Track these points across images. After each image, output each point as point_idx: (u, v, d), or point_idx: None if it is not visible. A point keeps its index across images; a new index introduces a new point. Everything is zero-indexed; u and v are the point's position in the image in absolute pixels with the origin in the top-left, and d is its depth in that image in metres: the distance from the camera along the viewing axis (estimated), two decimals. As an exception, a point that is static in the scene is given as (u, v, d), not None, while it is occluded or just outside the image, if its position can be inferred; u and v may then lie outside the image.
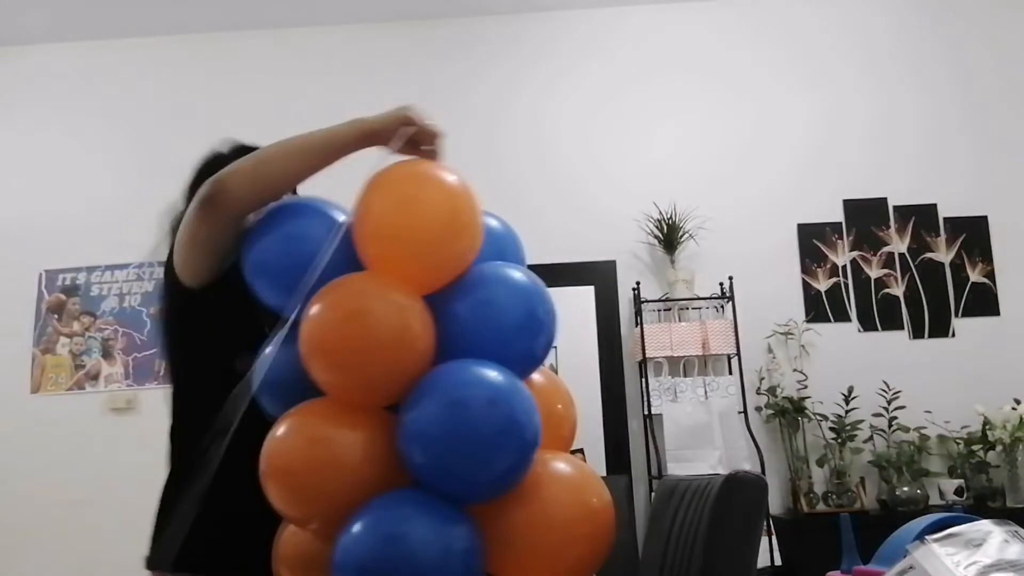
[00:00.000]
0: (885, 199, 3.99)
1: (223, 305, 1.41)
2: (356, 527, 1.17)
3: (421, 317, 1.25)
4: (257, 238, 1.35)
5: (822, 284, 3.92)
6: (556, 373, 1.58)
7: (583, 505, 1.27)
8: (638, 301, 3.81)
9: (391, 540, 1.15)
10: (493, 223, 1.45)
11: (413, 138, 1.44)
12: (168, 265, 1.47)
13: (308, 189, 1.44)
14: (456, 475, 1.19)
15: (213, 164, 1.60)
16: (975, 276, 3.91)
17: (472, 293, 1.30)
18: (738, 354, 3.67)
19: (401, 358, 1.22)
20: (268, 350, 1.34)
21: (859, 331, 3.87)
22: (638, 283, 3.86)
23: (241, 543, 1.37)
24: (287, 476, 1.21)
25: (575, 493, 1.27)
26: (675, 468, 3.52)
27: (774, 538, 3.41)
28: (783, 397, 3.67)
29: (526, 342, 1.31)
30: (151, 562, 1.51)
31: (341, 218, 1.37)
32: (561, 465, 1.30)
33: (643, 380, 3.69)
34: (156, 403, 3.93)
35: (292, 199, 1.43)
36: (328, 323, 1.22)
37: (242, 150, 1.66)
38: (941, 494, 3.50)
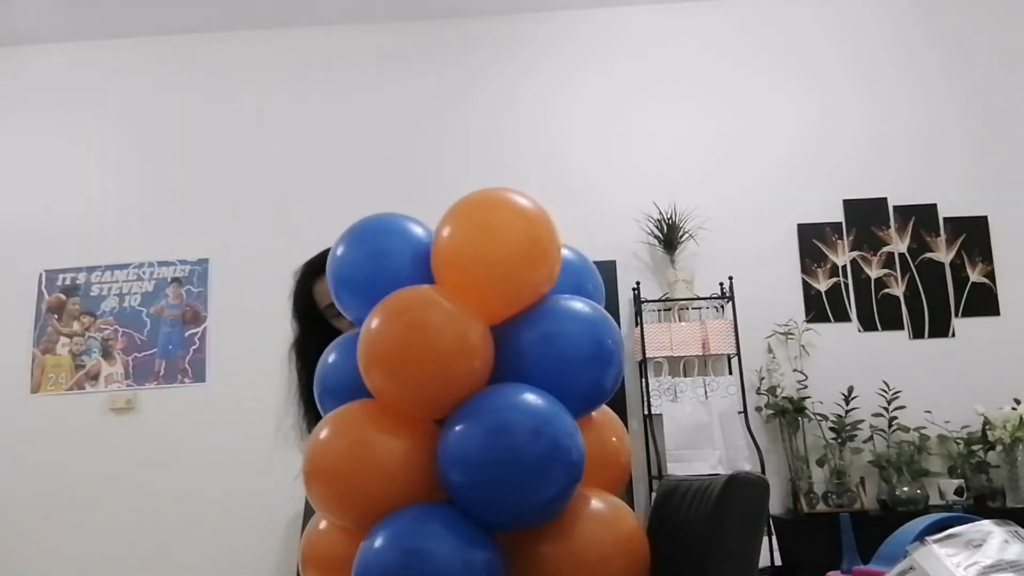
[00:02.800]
0: (885, 199, 3.99)
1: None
2: (379, 538, 1.16)
3: (480, 334, 1.24)
4: (343, 254, 1.37)
5: (822, 284, 3.92)
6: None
7: (616, 542, 1.24)
8: (638, 301, 3.81)
9: (412, 555, 1.14)
10: (569, 255, 1.44)
11: None
12: None
13: (396, 208, 1.45)
14: (491, 499, 1.17)
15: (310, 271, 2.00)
16: (975, 276, 3.91)
17: (539, 324, 1.28)
18: (738, 354, 3.67)
19: (455, 373, 1.21)
20: (331, 358, 1.37)
21: (859, 331, 3.87)
22: (638, 283, 3.86)
23: None
24: (330, 476, 1.21)
25: (607, 528, 1.25)
26: (675, 468, 3.52)
27: (774, 538, 3.41)
28: (783, 397, 3.67)
29: (594, 375, 1.29)
30: None
31: (421, 233, 1.39)
32: (593, 499, 1.27)
33: (643, 380, 3.69)
34: (156, 403, 3.94)
35: (376, 216, 1.45)
36: (388, 331, 1.22)
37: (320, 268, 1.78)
38: (941, 494, 3.49)
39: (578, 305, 1.32)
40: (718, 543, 1.64)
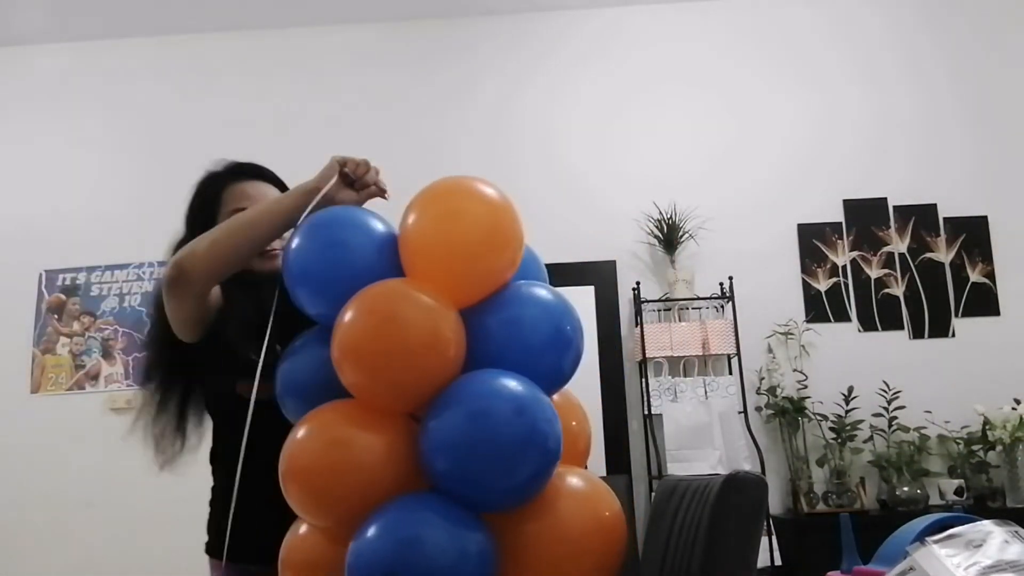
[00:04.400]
0: (885, 199, 3.99)
1: (212, 351, 1.54)
2: (371, 530, 1.17)
3: (453, 325, 1.26)
4: (298, 246, 1.37)
5: (822, 284, 3.92)
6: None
7: (595, 518, 1.27)
8: (638, 301, 3.81)
9: (406, 544, 1.15)
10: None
11: (350, 175, 1.50)
12: (157, 298, 1.57)
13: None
14: (477, 483, 1.19)
15: (209, 183, 1.76)
16: (975, 276, 3.91)
17: (503, 310, 1.32)
18: (738, 354, 3.67)
19: (431, 364, 1.23)
20: (291, 356, 1.38)
21: (859, 331, 3.87)
22: (638, 283, 3.86)
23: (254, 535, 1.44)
24: (307, 477, 1.22)
25: (587, 506, 1.28)
26: (675, 468, 3.52)
27: (774, 538, 3.41)
28: (783, 397, 3.67)
29: (554, 359, 1.32)
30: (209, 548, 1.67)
31: (380, 227, 1.39)
32: (574, 478, 1.30)
33: (643, 380, 3.69)
34: (156, 403, 3.94)
35: (333, 209, 1.44)
36: (361, 326, 1.23)
37: (236, 169, 1.74)
38: (941, 494, 3.49)
39: (540, 292, 1.36)
40: (717, 542, 1.64)
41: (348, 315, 1.24)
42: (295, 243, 1.37)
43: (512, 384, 1.22)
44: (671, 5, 4.26)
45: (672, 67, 4.18)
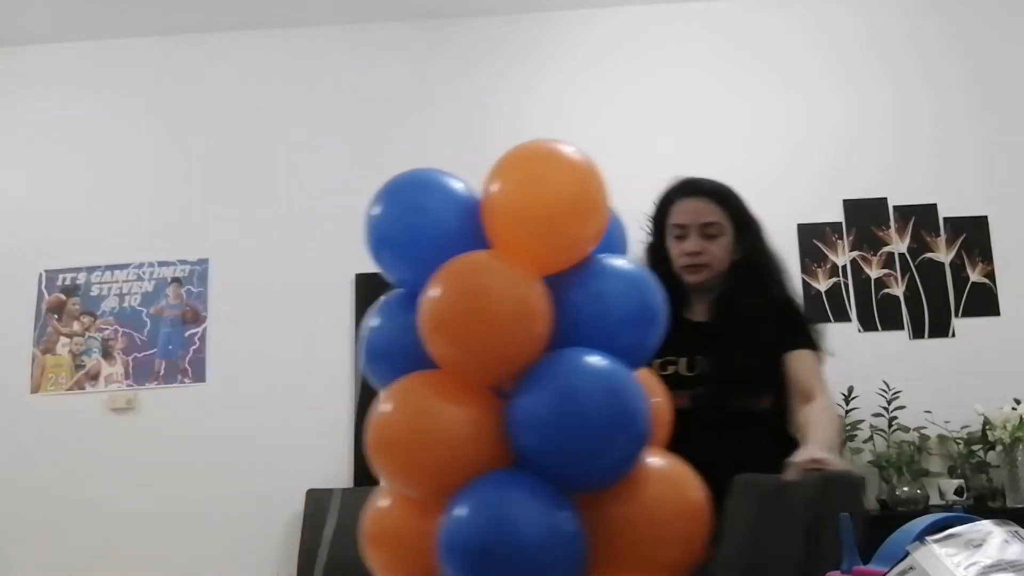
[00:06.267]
0: (885, 199, 3.99)
1: None
2: (463, 507, 1.18)
3: (541, 298, 1.25)
4: (378, 212, 1.36)
5: (822, 284, 3.92)
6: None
7: (683, 502, 1.27)
8: (638, 301, 3.80)
9: (499, 522, 1.16)
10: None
11: None
12: None
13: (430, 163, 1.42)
14: (566, 463, 1.19)
15: (662, 198, 2.04)
16: (975, 276, 3.91)
17: (588, 283, 1.30)
18: (738, 354, 3.66)
19: (519, 337, 1.23)
20: (376, 322, 1.36)
21: (859, 331, 3.87)
22: (638, 283, 3.85)
23: None
24: (393, 447, 1.23)
25: (675, 489, 1.28)
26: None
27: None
28: (783, 397, 3.67)
29: (638, 334, 1.31)
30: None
31: (460, 190, 1.37)
32: (660, 460, 1.30)
33: (643, 380, 3.68)
34: (156, 403, 3.94)
35: (413, 171, 1.42)
36: (449, 298, 1.23)
37: (682, 187, 2.03)
38: (941, 494, 3.49)
39: (624, 264, 1.34)
40: (816, 544, 1.62)
41: (436, 288, 1.23)
42: (376, 208, 1.36)
43: (603, 363, 1.21)
44: (672, 5, 4.25)
45: (670, 66, 4.18)
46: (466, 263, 1.25)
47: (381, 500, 1.34)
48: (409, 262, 1.30)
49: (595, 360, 1.21)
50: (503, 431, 1.23)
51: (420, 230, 1.31)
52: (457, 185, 1.38)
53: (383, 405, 1.25)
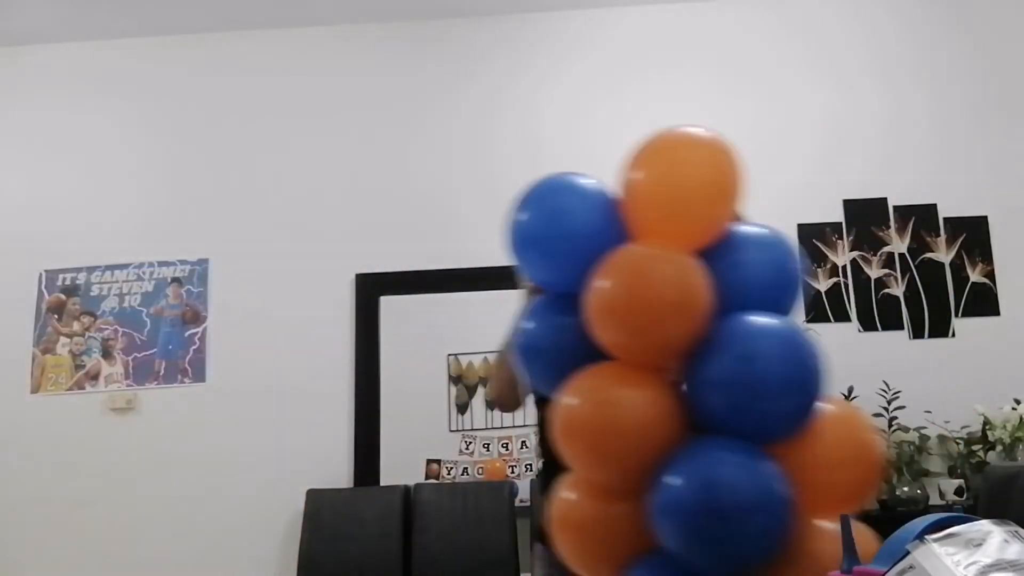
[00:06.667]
0: (885, 199, 3.99)
1: None
2: (671, 479, 1.23)
3: (702, 275, 1.32)
4: (523, 214, 1.43)
5: (822, 284, 3.92)
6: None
7: (859, 444, 1.34)
8: (638, 301, 3.80)
9: (710, 486, 1.21)
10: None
11: None
12: None
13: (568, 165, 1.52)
14: (755, 420, 1.25)
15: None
16: (975, 276, 3.91)
17: (732, 254, 1.38)
18: (738, 354, 3.67)
19: (686, 316, 1.29)
20: (529, 324, 1.45)
21: (859, 331, 3.87)
22: (638, 283, 3.85)
23: None
24: (582, 436, 1.30)
25: (851, 431, 1.35)
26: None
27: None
28: (783, 397, 3.67)
29: (778, 297, 1.38)
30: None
31: (597, 189, 1.47)
32: (834, 406, 1.36)
33: (643, 380, 3.68)
34: (156, 403, 3.94)
35: (552, 177, 1.52)
36: (617, 288, 1.29)
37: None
38: (941, 494, 3.49)
39: (759, 232, 1.43)
40: None
41: (602, 280, 1.30)
42: (522, 213, 1.43)
43: (775, 324, 1.29)
44: (672, 5, 4.25)
45: (670, 66, 4.18)
46: (626, 253, 1.33)
47: (567, 489, 1.41)
48: (557, 264, 1.39)
49: (767, 321, 1.29)
50: (682, 410, 1.30)
51: (564, 232, 1.39)
52: (593, 184, 1.48)
53: (567, 398, 1.33)
